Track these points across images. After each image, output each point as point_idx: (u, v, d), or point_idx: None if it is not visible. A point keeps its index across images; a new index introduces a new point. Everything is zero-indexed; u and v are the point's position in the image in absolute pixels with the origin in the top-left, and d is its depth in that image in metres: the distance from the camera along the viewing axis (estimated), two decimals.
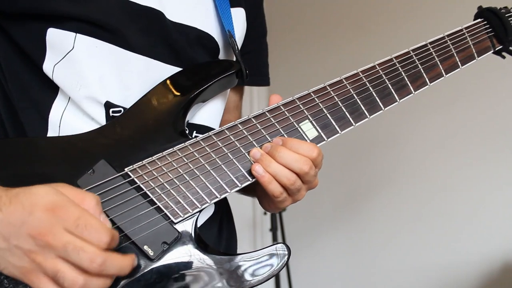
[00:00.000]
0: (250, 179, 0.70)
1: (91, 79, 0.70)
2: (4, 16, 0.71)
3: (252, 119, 0.73)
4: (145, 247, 0.64)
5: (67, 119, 0.71)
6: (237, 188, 0.70)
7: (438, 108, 2.41)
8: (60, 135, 0.71)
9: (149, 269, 0.63)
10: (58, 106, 0.72)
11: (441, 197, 2.40)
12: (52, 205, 0.52)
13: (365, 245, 2.61)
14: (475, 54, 0.88)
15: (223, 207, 0.83)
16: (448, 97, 2.36)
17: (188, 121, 0.78)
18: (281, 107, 0.75)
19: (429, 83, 0.83)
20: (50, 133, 0.71)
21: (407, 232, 2.48)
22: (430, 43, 0.85)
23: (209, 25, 0.80)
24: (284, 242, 0.70)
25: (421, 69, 0.83)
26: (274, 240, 2.46)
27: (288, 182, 0.68)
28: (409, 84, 0.81)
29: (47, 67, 0.70)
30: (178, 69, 0.76)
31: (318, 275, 2.65)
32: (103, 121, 0.71)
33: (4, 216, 0.52)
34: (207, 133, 0.71)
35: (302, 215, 2.68)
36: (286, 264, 0.69)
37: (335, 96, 0.77)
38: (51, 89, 0.72)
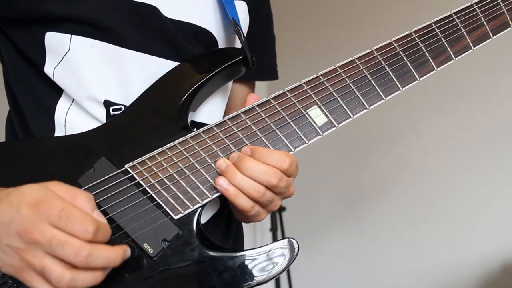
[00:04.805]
0: None
1: (88, 79, 0.70)
2: (4, 22, 0.72)
3: (256, 108, 0.69)
4: (145, 245, 0.62)
5: (72, 119, 0.71)
6: None
7: (440, 109, 2.35)
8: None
9: (149, 267, 0.62)
10: (62, 107, 0.72)
11: (442, 198, 2.35)
12: (36, 201, 0.52)
13: (366, 246, 2.57)
14: (510, 21, 0.79)
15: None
16: (452, 97, 2.30)
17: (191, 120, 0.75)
18: (287, 93, 0.70)
19: (454, 58, 0.75)
20: (57, 133, 0.72)
21: (408, 232, 2.43)
22: (455, 13, 0.76)
23: (207, 20, 0.77)
24: (293, 238, 0.66)
25: (445, 42, 0.75)
26: (274, 240, 2.39)
27: (257, 195, 0.63)
28: (431, 60, 0.74)
29: (48, 70, 0.71)
30: (177, 64, 0.73)
31: (319, 275, 2.60)
32: (104, 120, 0.71)
33: None
34: (208, 125, 0.68)
35: (302, 215, 2.64)
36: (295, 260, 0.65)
37: (346, 78, 0.71)
38: (55, 91, 0.72)
